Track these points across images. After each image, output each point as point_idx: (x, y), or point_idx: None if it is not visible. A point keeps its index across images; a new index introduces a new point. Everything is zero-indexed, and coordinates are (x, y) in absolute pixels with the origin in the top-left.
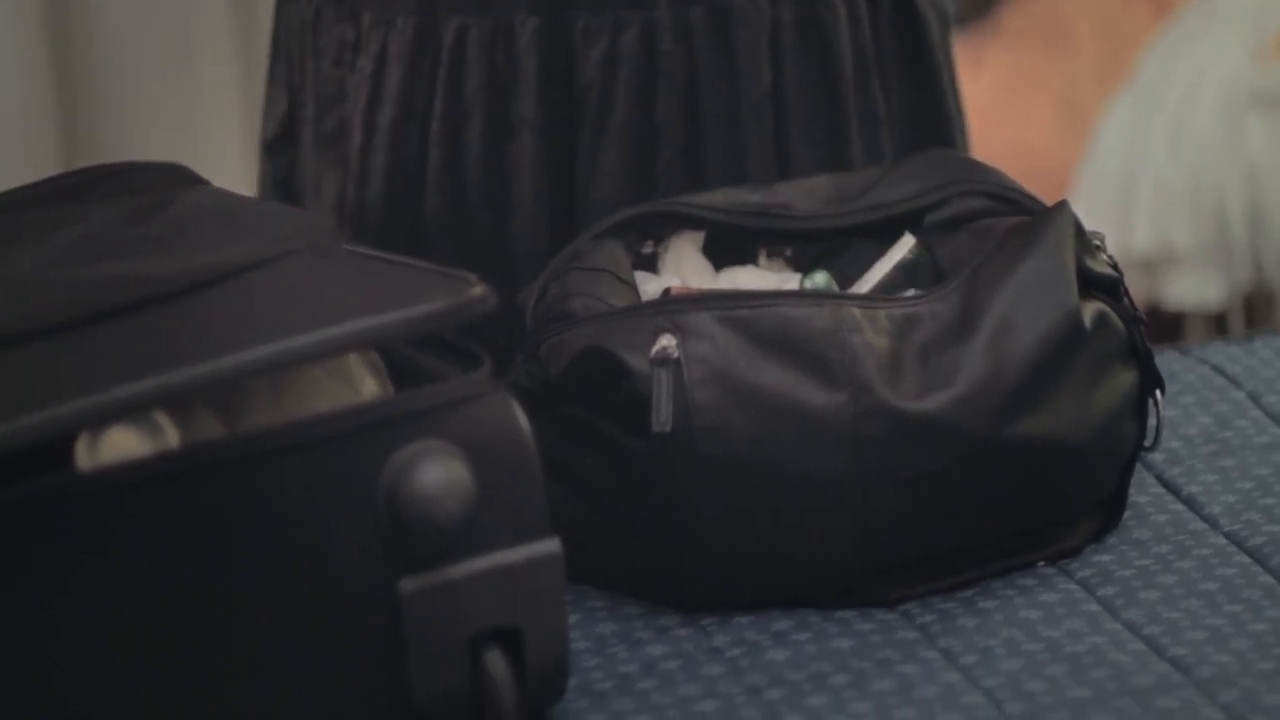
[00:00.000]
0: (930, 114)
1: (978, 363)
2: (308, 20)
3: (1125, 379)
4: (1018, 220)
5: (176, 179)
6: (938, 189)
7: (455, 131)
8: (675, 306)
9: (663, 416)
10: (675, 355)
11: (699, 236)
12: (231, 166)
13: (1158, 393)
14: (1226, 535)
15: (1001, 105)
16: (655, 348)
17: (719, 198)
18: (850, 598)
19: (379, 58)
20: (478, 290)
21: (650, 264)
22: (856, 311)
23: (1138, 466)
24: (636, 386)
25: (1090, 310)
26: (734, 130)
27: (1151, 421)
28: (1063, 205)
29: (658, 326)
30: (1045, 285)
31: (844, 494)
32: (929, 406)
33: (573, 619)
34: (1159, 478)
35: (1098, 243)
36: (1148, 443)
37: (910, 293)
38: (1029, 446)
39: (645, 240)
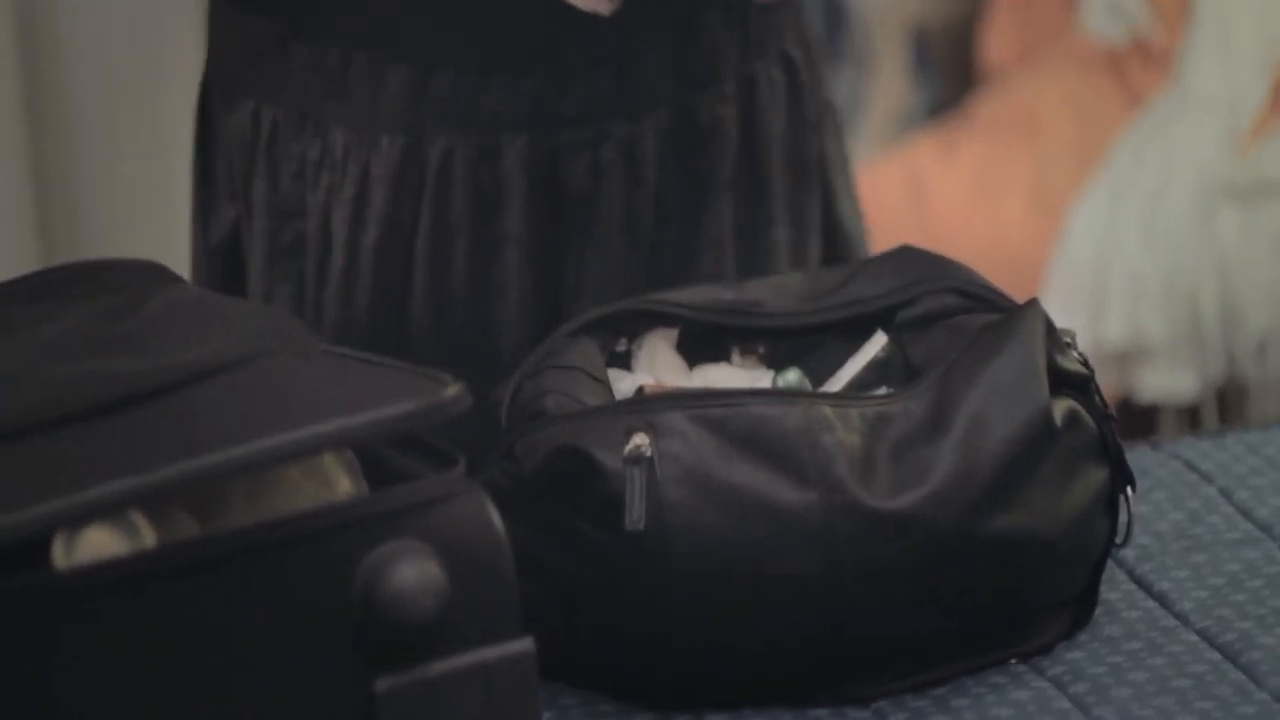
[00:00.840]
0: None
1: (950, 460)
2: (251, 133)
3: (1096, 476)
4: (989, 318)
5: (152, 277)
6: (909, 286)
7: (442, 250)
8: (648, 405)
9: (635, 515)
10: (648, 454)
11: (673, 334)
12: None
13: (1129, 489)
14: (1198, 632)
15: (975, 197)
16: (628, 446)
17: (692, 295)
18: (822, 695)
19: (361, 178)
20: (452, 390)
21: (624, 362)
22: (829, 410)
23: (1109, 563)
24: (609, 485)
25: (1061, 408)
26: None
27: (1122, 518)
28: (1033, 303)
29: (631, 425)
30: (1017, 383)
31: (815, 591)
32: (901, 505)
33: (546, 717)
34: (1130, 574)
35: (1068, 340)
36: (1119, 539)
37: (882, 390)
38: (1001, 543)
39: (619, 338)
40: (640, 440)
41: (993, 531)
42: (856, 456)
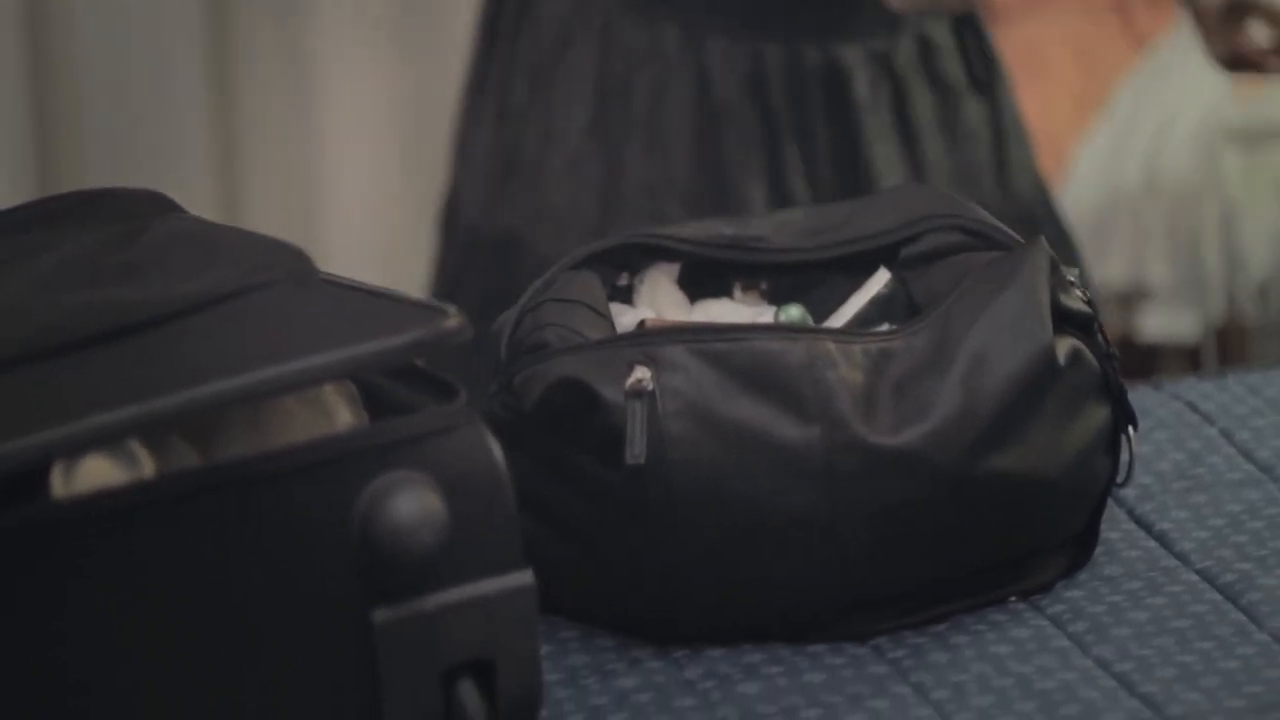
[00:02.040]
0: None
1: (951, 398)
2: None
3: (1098, 415)
4: (993, 255)
5: (154, 206)
6: (913, 223)
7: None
8: (650, 339)
9: (636, 449)
10: (650, 388)
11: (674, 269)
12: (207, 194)
13: (1130, 429)
14: (1198, 572)
15: None
16: (630, 380)
17: (694, 230)
18: (822, 633)
19: None
20: (454, 321)
21: (626, 296)
22: (831, 346)
23: (1109, 502)
24: (610, 418)
25: (1064, 346)
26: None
27: (1123, 457)
28: (1038, 241)
29: (632, 359)
30: (1019, 321)
31: (816, 528)
32: (902, 441)
33: (545, 651)
34: (1130, 514)
35: (1072, 279)
36: (1119, 479)
37: (885, 327)
38: (1001, 481)
39: (620, 273)
40: (642, 374)
41: (994, 469)
42: (858, 393)
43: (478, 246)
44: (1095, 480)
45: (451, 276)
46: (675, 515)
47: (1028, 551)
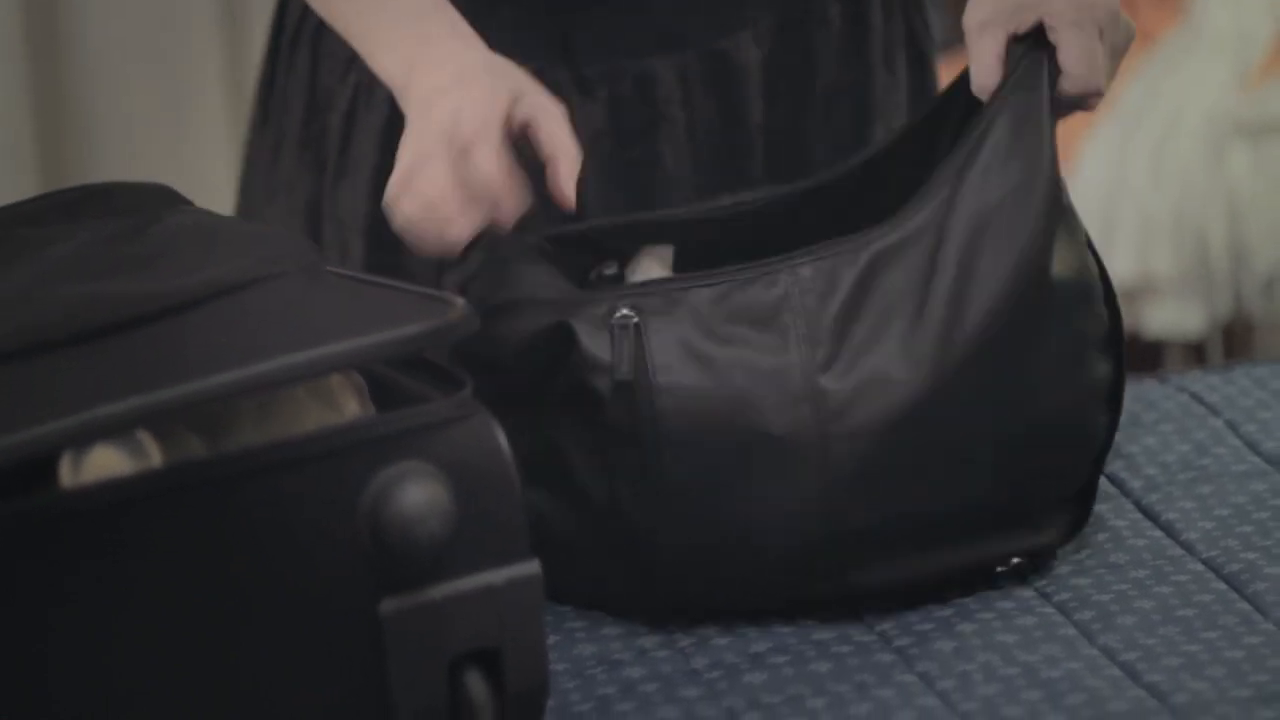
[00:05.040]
0: None
1: (937, 311)
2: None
3: (1102, 366)
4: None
5: (161, 199)
6: None
7: None
8: (633, 289)
9: (624, 367)
10: (635, 320)
11: (667, 253)
12: (216, 187)
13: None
14: (1204, 562)
15: None
16: (616, 315)
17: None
18: (823, 584)
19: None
20: (460, 311)
21: (617, 284)
22: (808, 271)
23: (1116, 493)
24: (595, 356)
25: (1061, 263)
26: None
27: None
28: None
29: (614, 305)
30: (1015, 214)
31: (804, 449)
32: (881, 363)
33: (551, 640)
34: (1137, 504)
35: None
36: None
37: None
38: (990, 401)
39: (606, 261)
40: (627, 310)
41: (979, 385)
42: (839, 314)
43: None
44: (1094, 432)
45: None
46: (661, 436)
47: (1022, 501)
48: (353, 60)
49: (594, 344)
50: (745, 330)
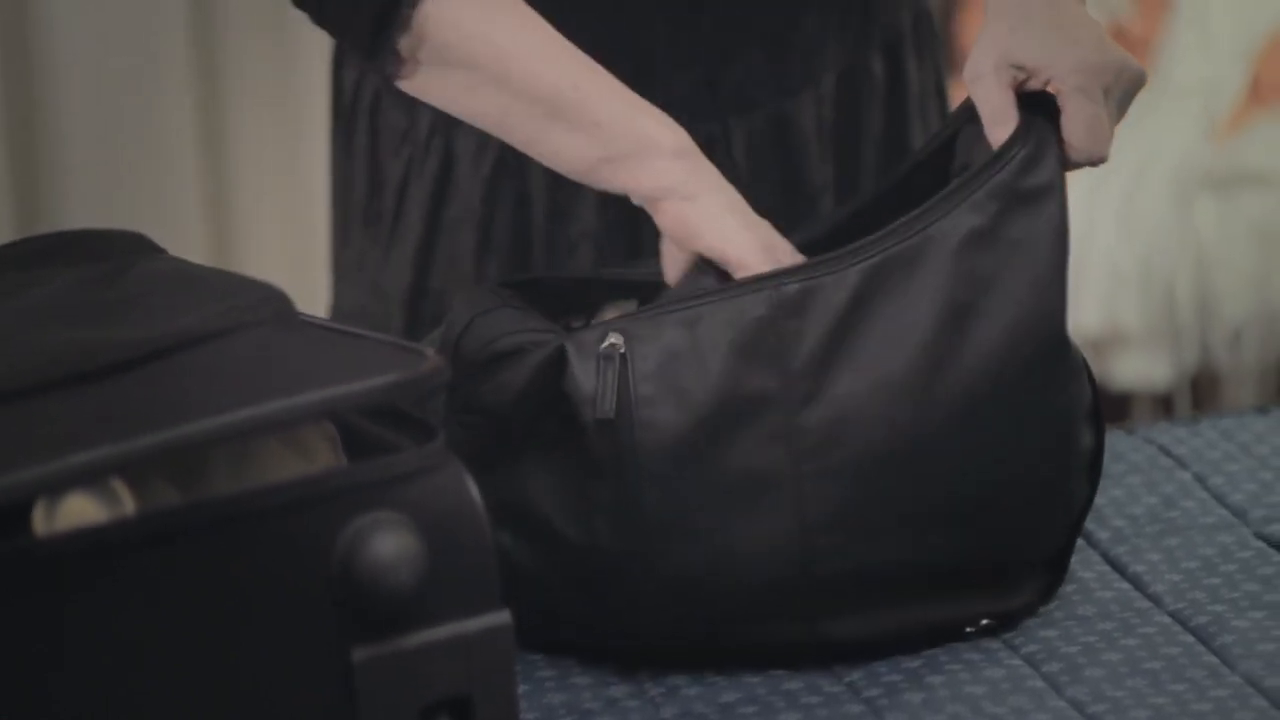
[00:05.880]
0: None
1: (921, 348)
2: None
3: (1087, 437)
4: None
5: (135, 246)
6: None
7: (521, 240)
8: (620, 319)
9: (606, 404)
10: (622, 350)
11: (631, 307)
12: (190, 234)
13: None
14: (1171, 614)
15: None
16: (603, 345)
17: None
18: (795, 627)
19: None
20: (432, 363)
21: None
22: (794, 289)
23: (1084, 545)
24: (583, 390)
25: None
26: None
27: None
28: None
29: (605, 332)
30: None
31: (780, 487)
32: (860, 392)
33: (522, 689)
34: (1105, 556)
35: None
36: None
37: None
38: (973, 456)
39: (572, 316)
40: (615, 339)
41: (958, 431)
42: (823, 341)
43: None
44: (1074, 500)
45: None
46: (642, 469)
47: (997, 563)
48: (406, 133)
49: (583, 373)
50: (727, 358)
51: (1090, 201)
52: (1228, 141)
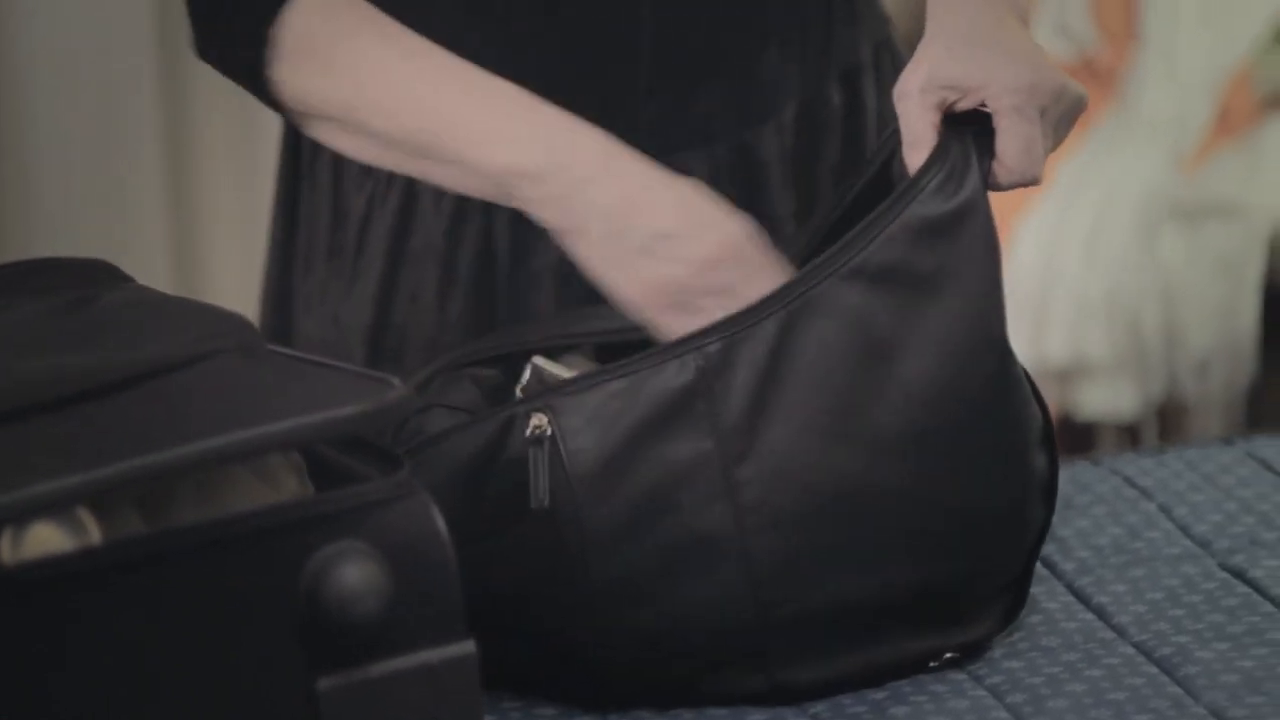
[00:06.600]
0: None
1: (862, 388)
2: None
3: (1040, 460)
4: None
5: (104, 276)
6: None
7: (485, 280)
8: (542, 395)
9: (540, 494)
10: (549, 432)
11: (588, 351)
12: (156, 263)
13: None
14: (1135, 645)
15: None
16: (529, 428)
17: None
18: (754, 674)
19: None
20: (398, 393)
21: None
22: (716, 349)
23: (1049, 575)
24: (517, 474)
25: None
26: None
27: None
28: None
29: (529, 410)
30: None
31: (725, 543)
32: (792, 439)
33: (487, 719)
34: (1069, 586)
35: None
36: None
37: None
38: (916, 480)
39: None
40: (539, 420)
41: (903, 478)
42: (749, 395)
43: None
44: (1031, 524)
45: None
46: (589, 552)
47: (956, 593)
48: (369, 168)
49: (518, 453)
50: (660, 427)
51: (1056, 233)
52: (1194, 172)
